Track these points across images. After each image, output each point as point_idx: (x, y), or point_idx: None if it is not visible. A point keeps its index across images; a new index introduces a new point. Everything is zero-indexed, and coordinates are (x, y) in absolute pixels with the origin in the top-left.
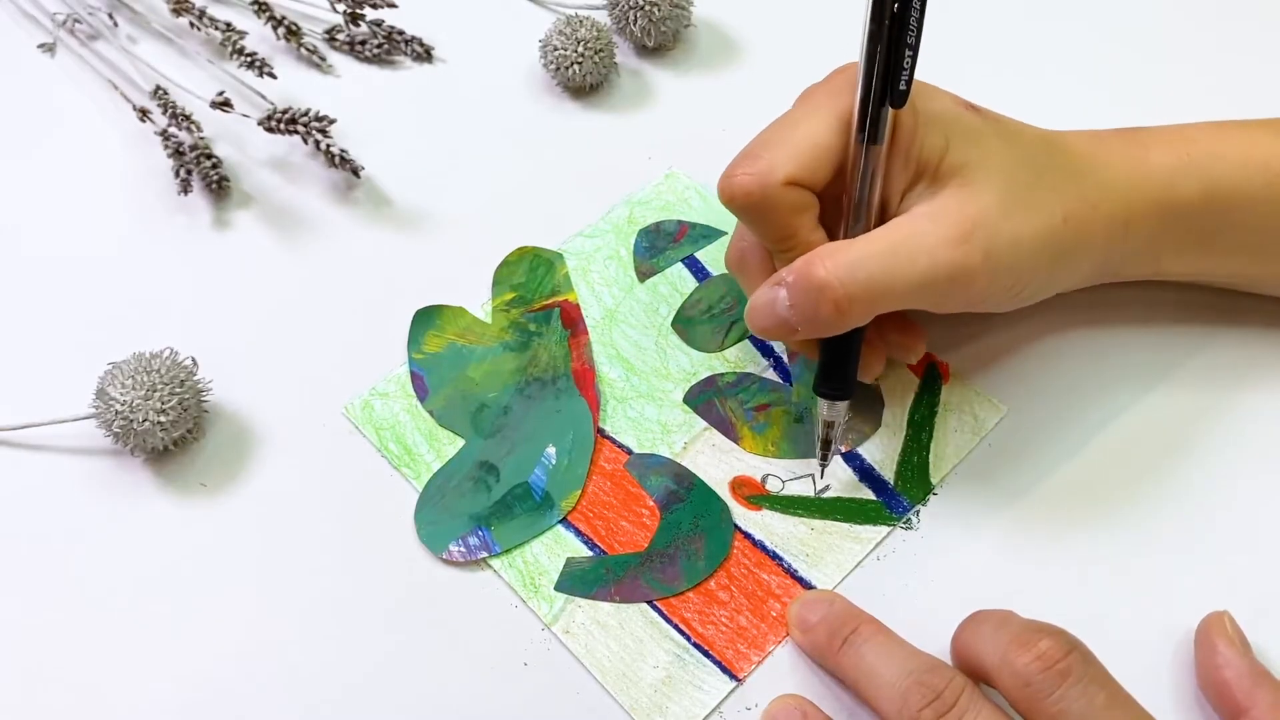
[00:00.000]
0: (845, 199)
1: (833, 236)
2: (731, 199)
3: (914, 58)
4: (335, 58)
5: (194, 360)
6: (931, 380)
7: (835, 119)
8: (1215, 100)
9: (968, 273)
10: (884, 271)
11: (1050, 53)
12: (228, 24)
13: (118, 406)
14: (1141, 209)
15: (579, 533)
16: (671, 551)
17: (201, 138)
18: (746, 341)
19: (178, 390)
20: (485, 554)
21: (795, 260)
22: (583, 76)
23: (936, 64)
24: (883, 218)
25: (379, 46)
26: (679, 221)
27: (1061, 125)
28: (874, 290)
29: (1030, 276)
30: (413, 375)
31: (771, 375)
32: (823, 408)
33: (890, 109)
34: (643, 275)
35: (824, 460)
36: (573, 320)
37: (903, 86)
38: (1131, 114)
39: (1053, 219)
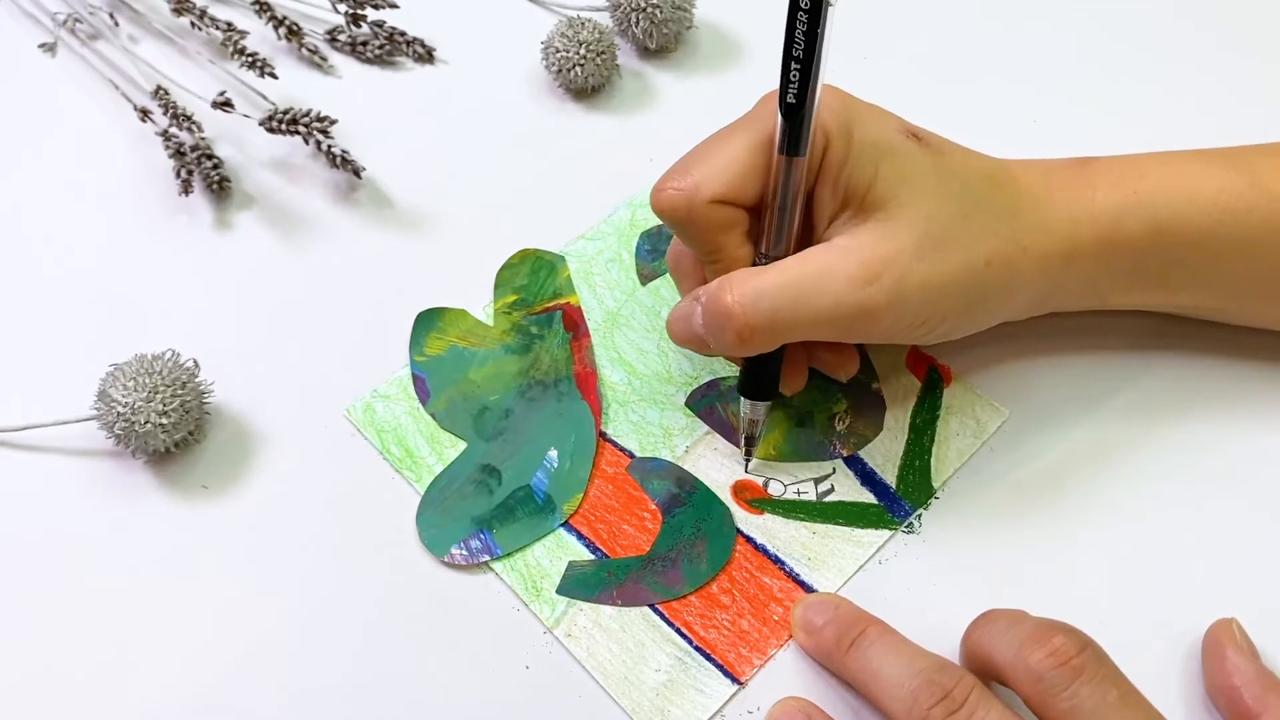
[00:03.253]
0: (767, 213)
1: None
2: (660, 212)
3: (803, 73)
4: (337, 58)
5: (196, 362)
6: (933, 384)
7: (764, 136)
8: (1187, 114)
9: (871, 313)
10: (788, 306)
11: (1030, 67)
12: (229, 24)
13: (119, 408)
14: (1085, 247)
15: (581, 536)
16: (673, 555)
17: (202, 138)
18: None
19: (179, 392)
20: (487, 557)
21: (713, 280)
22: (584, 78)
23: (913, 77)
24: (808, 242)
25: (380, 47)
26: None
27: (1041, 138)
28: (776, 323)
29: (943, 317)
30: (414, 378)
31: None
32: (745, 406)
33: (808, 123)
34: (645, 278)
35: (748, 455)
36: (574, 323)
37: (790, 99)
38: (1106, 126)
39: (973, 262)
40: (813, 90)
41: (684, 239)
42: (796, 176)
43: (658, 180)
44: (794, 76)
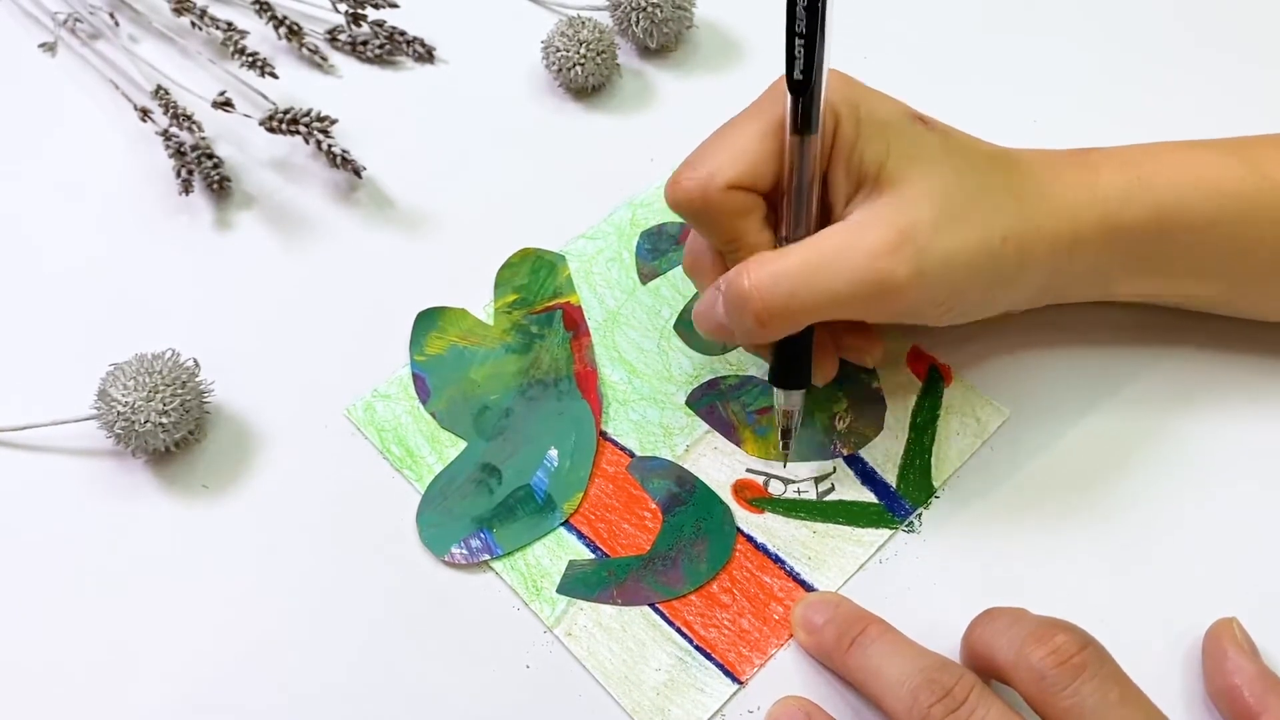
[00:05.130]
0: (785, 197)
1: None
2: (676, 204)
3: (808, 48)
4: (337, 58)
5: (196, 361)
6: (934, 383)
7: (776, 121)
8: (1187, 114)
9: (895, 285)
10: (806, 286)
11: (1030, 67)
12: (229, 24)
13: (119, 408)
14: (1089, 232)
15: (581, 535)
16: (673, 554)
17: (203, 138)
18: None
19: (179, 391)
20: (487, 556)
21: (733, 267)
22: (585, 78)
23: (914, 76)
24: (826, 225)
25: (381, 47)
26: (681, 223)
27: (1041, 138)
28: (794, 304)
29: (964, 294)
30: (415, 377)
31: None
32: (779, 398)
33: (817, 99)
34: (645, 277)
35: (785, 449)
36: (575, 322)
37: (797, 75)
38: (1107, 126)
39: (991, 238)
40: (819, 64)
41: (702, 230)
42: (811, 156)
43: (671, 175)
44: (799, 52)
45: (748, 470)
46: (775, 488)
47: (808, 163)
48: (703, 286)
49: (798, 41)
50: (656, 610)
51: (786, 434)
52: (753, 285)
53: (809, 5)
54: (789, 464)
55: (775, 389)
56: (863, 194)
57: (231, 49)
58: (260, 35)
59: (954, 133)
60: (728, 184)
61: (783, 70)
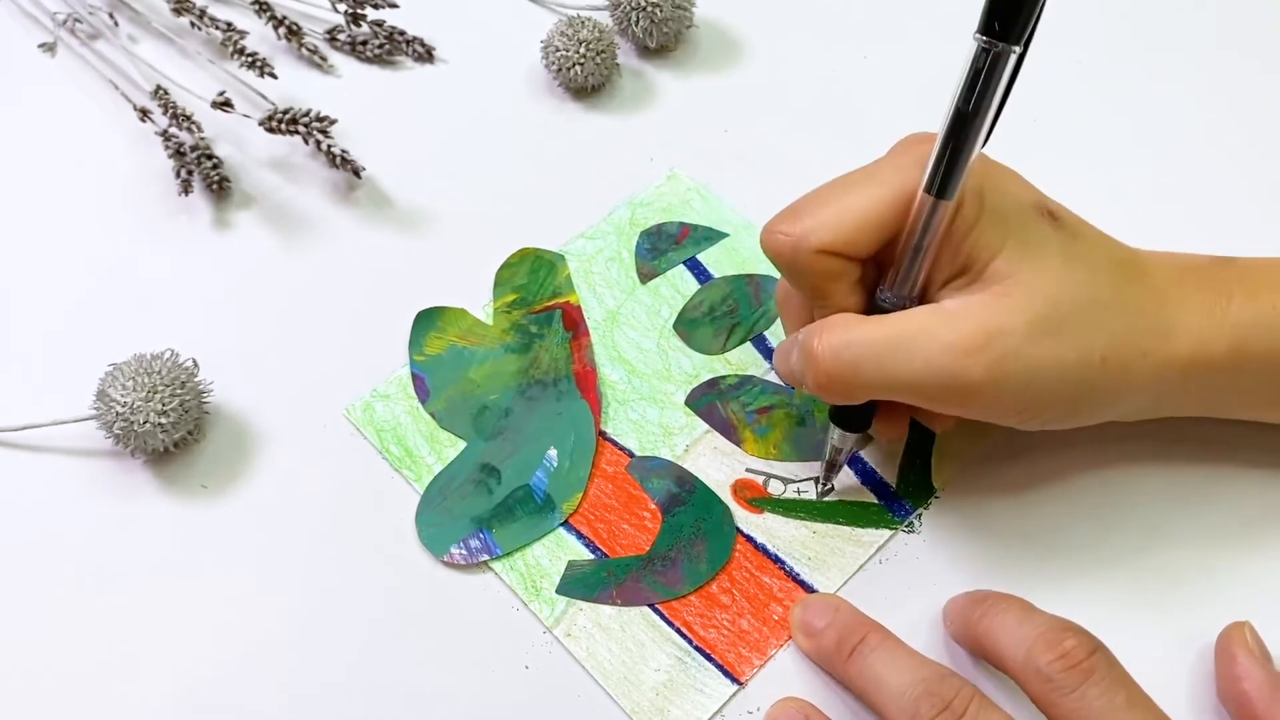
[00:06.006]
0: (901, 252)
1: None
2: (767, 253)
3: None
4: (336, 58)
5: (195, 361)
6: None
7: (894, 193)
8: (1188, 112)
9: (967, 386)
10: (874, 363)
11: (1029, 67)
12: (228, 24)
13: (118, 408)
14: (1209, 361)
15: (580, 535)
16: (673, 554)
17: (202, 138)
18: (748, 344)
19: (179, 392)
20: (486, 556)
21: (817, 321)
22: (584, 77)
23: (912, 76)
24: (919, 301)
25: (380, 47)
26: (681, 223)
27: (1041, 137)
28: (857, 380)
29: (1045, 406)
30: (414, 377)
31: (773, 378)
32: (834, 434)
33: (962, 166)
34: (644, 277)
35: (827, 481)
36: (574, 322)
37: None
38: (1107, 125)
39: (1088, 355)
40: (979, 136)
41: (790, 281)
42: (939, 221)
43: (768, 221)
44: (962, 169)
45: (747, 470)
46: (775, 488)
47: (935, 227)
48: (786, 323)
49: (964, 160)
50: (656, 611)
51: (832, 467)
52: (822, 349)
53: (988, 135)
54: (827, 478)
55: (832, 426)
56: (964, 280)
57: (231, 49)
58: (260, 35)
59: (1084, 231)
60: (820, 248)
61: (776, 77)
